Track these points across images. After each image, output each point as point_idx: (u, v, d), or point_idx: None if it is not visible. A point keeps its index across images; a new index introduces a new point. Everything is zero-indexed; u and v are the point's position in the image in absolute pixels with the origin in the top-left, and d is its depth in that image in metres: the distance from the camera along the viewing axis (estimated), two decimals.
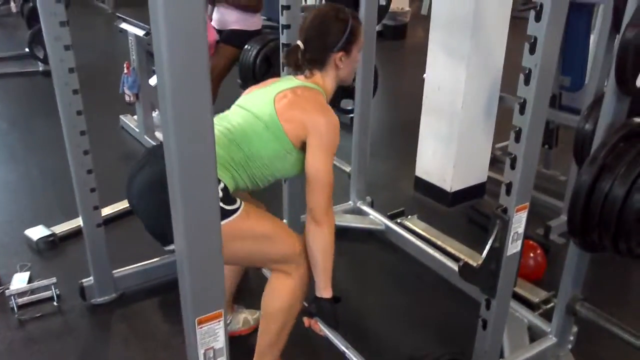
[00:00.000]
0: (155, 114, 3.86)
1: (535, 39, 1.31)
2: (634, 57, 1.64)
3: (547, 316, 2.02)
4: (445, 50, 2.85)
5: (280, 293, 1.64)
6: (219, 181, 1.50)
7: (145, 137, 3.78)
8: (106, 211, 2.72)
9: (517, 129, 1.40)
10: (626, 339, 1.75)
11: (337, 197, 2.93)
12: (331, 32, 1.65)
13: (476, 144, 2.99)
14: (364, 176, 2.82)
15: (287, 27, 2.20)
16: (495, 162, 3.25)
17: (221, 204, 1.49)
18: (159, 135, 3.71)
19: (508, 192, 1.45)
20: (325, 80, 1.70)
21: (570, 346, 1.95)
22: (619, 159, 1.59)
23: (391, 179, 3.46)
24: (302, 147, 1.59)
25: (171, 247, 1.47)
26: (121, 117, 4.15)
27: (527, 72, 1.36)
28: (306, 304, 1.69)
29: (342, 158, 2.87)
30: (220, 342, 1.04)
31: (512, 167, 1.43)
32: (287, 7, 2.18)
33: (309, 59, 1.68)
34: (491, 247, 1.50)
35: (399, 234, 2.62)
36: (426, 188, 3.14)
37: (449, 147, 2.95)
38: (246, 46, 3.61)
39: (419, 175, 3.19)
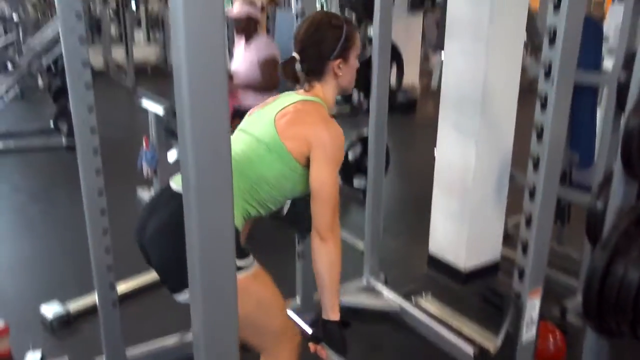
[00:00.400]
0: None
1: (542, 128, 1.36)
2: (639, 142, 1.69)
3: None
4: (456, 127, 2.92)
5: None
6: None
7: None
8: (121, 288, 2.73)
9: (528, 214, 1.43)
10: None
11: (350, 273, 2.93)
12: (326, 39, 1.61)
13: (488, 221, 3.01)
14: (377, 252, 2.83)
15: None
16: (508, 239, 3.25)
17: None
18: None
19: (521, 277, 1.47)
20: (326, 90, 1.65)
21: None
22: (631, 242, 1.61)
23: (404, 255, 3.46)
24: (307, 164, 1.56)
25: (181, 296, 1.47)
26: (138, 189, 4.24)
27: (535, 159, 1.41)
28: (310, 329, 1.60)
29: (355, 234, 2.90)
30: None
31: (524, 252, 1.45)
32: None
33: (307, 70, 1.63)
34: (506, 332, 1.49)
35: (414, 316, 2.59)
36: (439, 265, 3.13)
37: (461, 225, 2.97)
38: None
39: (432, 252, 3.19)
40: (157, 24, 10.88)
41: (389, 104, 2.62)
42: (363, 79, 2.60)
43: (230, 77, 3.79)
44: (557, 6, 1.26)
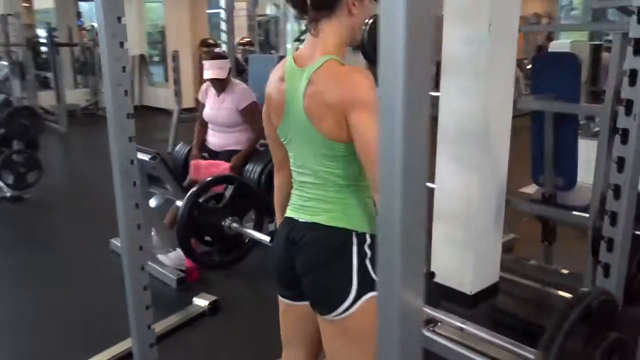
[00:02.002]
0: (153, 233, 3.80)
1: (624, 159, 1.50)
2: None
3: None
4: (456, 160, 3.08)
5: None
6: (363, 236, 1.49)
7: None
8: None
9: (609, 239, 1.55)
10: None
11: None
12: None
13: (490, 245, 3.17)
14: None
15: None
16: (503, 262, 3.42)
17: (371, 272, 1.49)
18: (161, 257, 3.65)
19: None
20: (335, 34, 1.42)
21: None
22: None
23: None
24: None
25: (336, 312, 1.49)
26: (112, 240, 4.05)
27: (617, 188, 1.53)
28: None
29: None
30: None
31: (606, 275, 1.57)
32: None
33: (317, 2, 1.39)
34: None
35: (439, 342, 2.65)
36: (445, 292, 3.24)
37: (465, 251, 3.10)
38: (247, 166, 3.73)
39: (435, 280, 3.29)
40: (86, 69, 10.53)
41: None
42: None
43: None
44: (636, 51, 1.42)
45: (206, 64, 3.67)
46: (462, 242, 3.11)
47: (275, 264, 1.67)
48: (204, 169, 3.64)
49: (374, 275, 1.50)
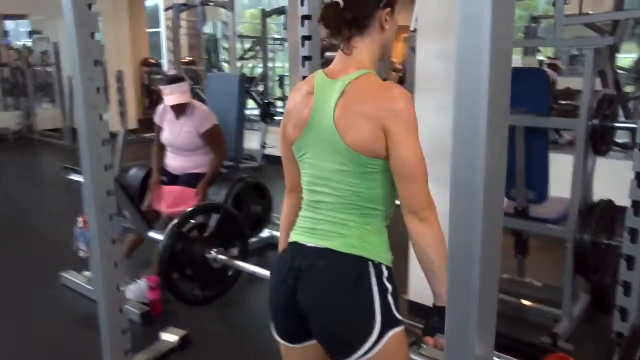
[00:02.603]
0: None
1: None
2: None
3: None
4: (432, 178, 3.03)
5: None
6: (380, 267, 1.39)
7: None
8: None
9: (628, 257, 1.52)
10: None
11: None
12: None
13: None
14: None
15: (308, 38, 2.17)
16: None
17: (393, 307, 1.37)
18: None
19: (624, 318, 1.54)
20: (369, 50, 1.39)
21: None
22: None
23: None
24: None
25: (357, 354, 1.33)
26: (63, 274, 3.74)
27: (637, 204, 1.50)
28: (417, 325, 1.48)
29: None
30: None
31: (626, 294, 1.53)
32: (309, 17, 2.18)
33: (350, 19, 1.35)
34: None
35: None
36: (423, 311, 3.17)
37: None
38: (211, 190, 3.56)
39: (412, 299, 3.22)
40: (17, 90, 9.93)
41: None
42: None
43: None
44: None
45: (165, 89, 3.44)
46: None
47: (275, 298, 1.48)
48: (169, 197, 3.44)
49: (396, 312, 1.38)
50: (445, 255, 1.33)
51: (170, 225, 1.91)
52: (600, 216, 2.64)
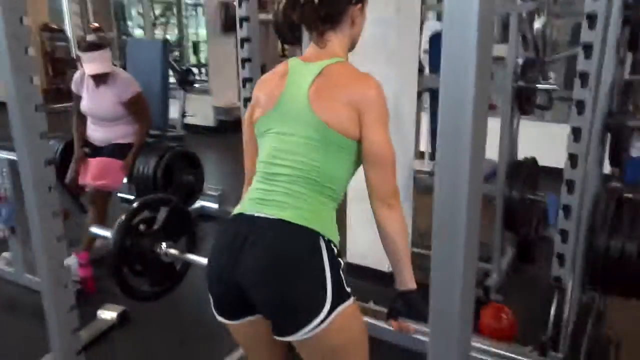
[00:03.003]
0: None
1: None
2: None
3: None
4: None
5: None
6: (331, 244, 1.37)
7: (27, 275, 3.21)
8: None
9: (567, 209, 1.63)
10: None
11: None
12: None
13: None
14: None
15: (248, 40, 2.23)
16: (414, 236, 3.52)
17: (344, 282, 1.35)
18: None
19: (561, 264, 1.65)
20: (341, 44, 1.46)
21: None
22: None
23: None
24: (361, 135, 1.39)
25: (305, 329, 1.31)
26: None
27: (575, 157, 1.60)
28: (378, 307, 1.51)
29: None
30: None
31: (564, 241, 1.65)
32: (247, 19, 2.23)
33: (324, 16, 1.41)
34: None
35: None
36: (362, 272, 3.25)
37: None
38: (137, 161, 3.42)
39: (351, 261, 3.29)
40: None
41: None
42: None
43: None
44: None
45: (84, 56, 3.20)
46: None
47: (215, 270, 1.41)
48: (95, 169, 3.25)
49: (347, 287, 1.37)
50: (407, 243, 1.43)
51: (119, 220, 1.80)
52: (527, 174, 2.80)
